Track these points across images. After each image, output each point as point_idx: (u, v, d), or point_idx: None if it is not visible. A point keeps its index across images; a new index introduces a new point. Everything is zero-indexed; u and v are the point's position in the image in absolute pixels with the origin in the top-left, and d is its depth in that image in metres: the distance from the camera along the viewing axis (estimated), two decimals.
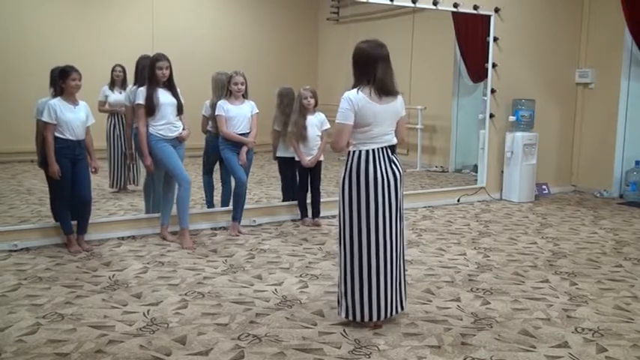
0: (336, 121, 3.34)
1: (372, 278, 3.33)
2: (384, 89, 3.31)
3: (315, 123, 5.79)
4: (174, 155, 5.08)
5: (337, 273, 3.58)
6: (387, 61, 3.33)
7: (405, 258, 3.94)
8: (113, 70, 6.06)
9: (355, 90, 3.31)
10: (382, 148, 3.35)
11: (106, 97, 6.06)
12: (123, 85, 6.03)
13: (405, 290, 3.54)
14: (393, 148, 3.41)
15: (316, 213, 6.00)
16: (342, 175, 3.36)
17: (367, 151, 3.32)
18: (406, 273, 3.73)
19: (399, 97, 3.42)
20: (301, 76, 8.25)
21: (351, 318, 3.42)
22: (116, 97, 6.00)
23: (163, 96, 5.00)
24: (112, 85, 6.04)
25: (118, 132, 6.10)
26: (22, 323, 3.43)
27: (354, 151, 3.35)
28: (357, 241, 3.32)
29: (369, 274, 3.33)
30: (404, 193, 3.51)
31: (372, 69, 3.29)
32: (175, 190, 5.21)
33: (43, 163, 4.84)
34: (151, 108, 4.96)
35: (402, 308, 3.52)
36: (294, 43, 8.60)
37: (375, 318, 3.38)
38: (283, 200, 6.19)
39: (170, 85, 5.07)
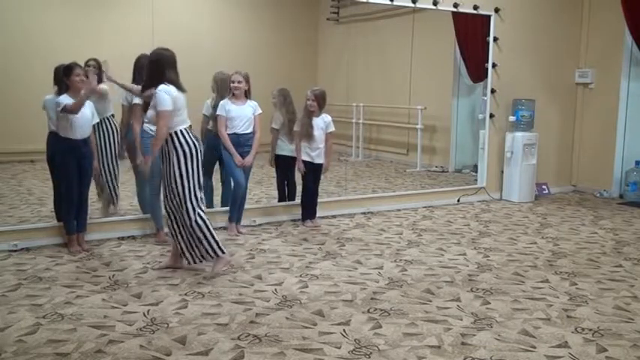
0: (161, 108, 4.16)
1: (208, 225, 4.30)
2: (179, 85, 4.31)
3: (321, 125, 5.78)
4: (157, 162, 5.06)
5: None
6: (174, 66, 4.35)
7: (405, 257, 4.46)
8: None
9: (166, 85, 4.22)
10: (188, 127, 4.33)
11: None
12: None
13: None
14: (190, 127, 4.42)
15: (313, 214, 5.99)
16: (175, 150, 4.20)
17: (185, 129, 4.28)
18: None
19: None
20: (301, 76, 8.25)
21: (197, 261, 4.35)
22: None
23: None
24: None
25: None
26: (22, 323, 3.43)
27: (176, 131, 4.23)
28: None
29: (205, 222, 4.27)
30: None
31: (169, 72, 4.29)
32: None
33: (51, 160, 4.90)
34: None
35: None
36: (294, 43, 8.60)
37: (219, 254, 4.27)
38: (279, 200, 6.18)
39: None
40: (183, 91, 4.33)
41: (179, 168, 4.20)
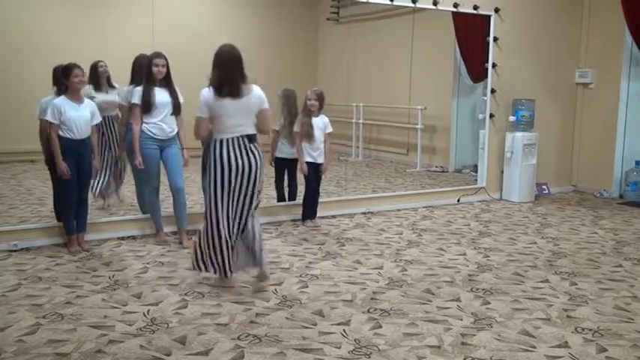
0: (197, 114, 3.94)
1: (222, 242, 3.93)
2: (220, 90, 3.88)
3: (320, 125, 5.78)
4: (154, 163, 5.07)
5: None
6: (224, 67, 3.92)
7: (405, 257, 4.44)
8: None
9: (208, 89, 3.92)
10: (231, 140, 3.90)
11: None
12: None
13: (257, 254, 4.05)
14: (250, 137, 3.95)
15: (314, 214, 5.99)
16: (208, 158, 3.92)
17: (222, 140, 3.90)
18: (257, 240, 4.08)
19: (254, 93, 3.96)
20: (301, 76, 8.25)
21: (204, 271, 4.05)
22: None
23: (159, 95, 4.97)
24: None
25: None
26: (22, 323, 3.43)
27: (214, 139, 3.93)
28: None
29: (219, 238, 3.92)
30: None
31: (214, 73, 3.93)
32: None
33: (50, 161, 4.88)
34: (147, 106, 4.93)
35: (257, 266, 4.12)
36: (294, 43, 8.60)
37: (221, 273, 4.00)
38: (277, 200, 6.18)
39: (167, 84, 5.05)
40: (230, 96, 3.86)
41: (208, 174, 3.95)
